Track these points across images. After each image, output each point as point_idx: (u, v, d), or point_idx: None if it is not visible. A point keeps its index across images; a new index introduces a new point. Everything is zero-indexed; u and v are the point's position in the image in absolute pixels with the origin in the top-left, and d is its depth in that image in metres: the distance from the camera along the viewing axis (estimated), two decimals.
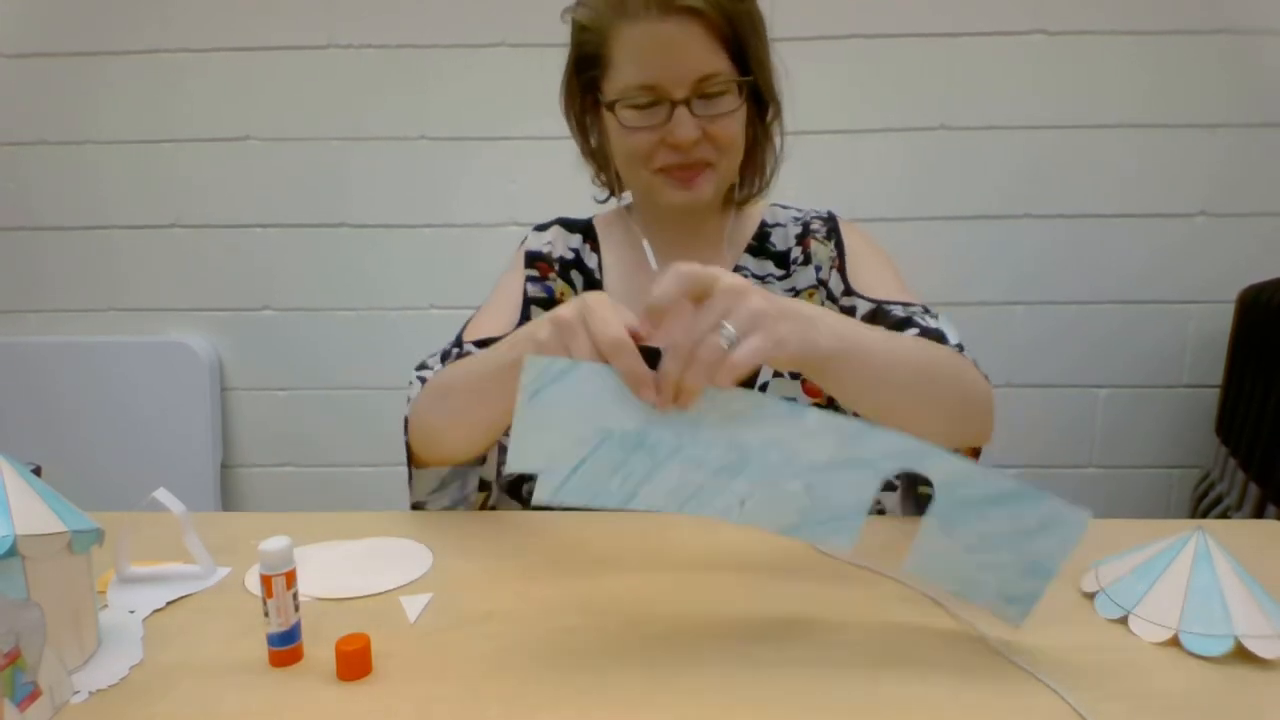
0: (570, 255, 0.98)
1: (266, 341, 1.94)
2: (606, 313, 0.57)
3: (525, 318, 0.93)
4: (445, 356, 0.91)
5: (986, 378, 0.81)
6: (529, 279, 0.97)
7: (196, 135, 1.85)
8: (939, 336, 0.82)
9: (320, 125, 1.84)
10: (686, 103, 0.81)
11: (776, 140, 0.94)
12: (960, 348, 0.83)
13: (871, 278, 0.91)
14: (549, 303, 0.95)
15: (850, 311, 0.88)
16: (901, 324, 0.84)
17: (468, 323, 0.95)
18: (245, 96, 1.83)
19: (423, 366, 0.90)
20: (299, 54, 1.81)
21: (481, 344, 0.88)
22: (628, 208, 1.01)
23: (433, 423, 0.82)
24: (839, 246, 0.94)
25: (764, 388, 0.89)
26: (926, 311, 0.88)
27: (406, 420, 0.86)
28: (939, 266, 1.83)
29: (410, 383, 0.89)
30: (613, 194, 0.99)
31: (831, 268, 0.93)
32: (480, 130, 1.82)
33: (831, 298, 0.92)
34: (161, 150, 1.86)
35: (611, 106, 0.84)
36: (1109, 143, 1.77)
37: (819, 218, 0.98)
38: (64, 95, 1.84)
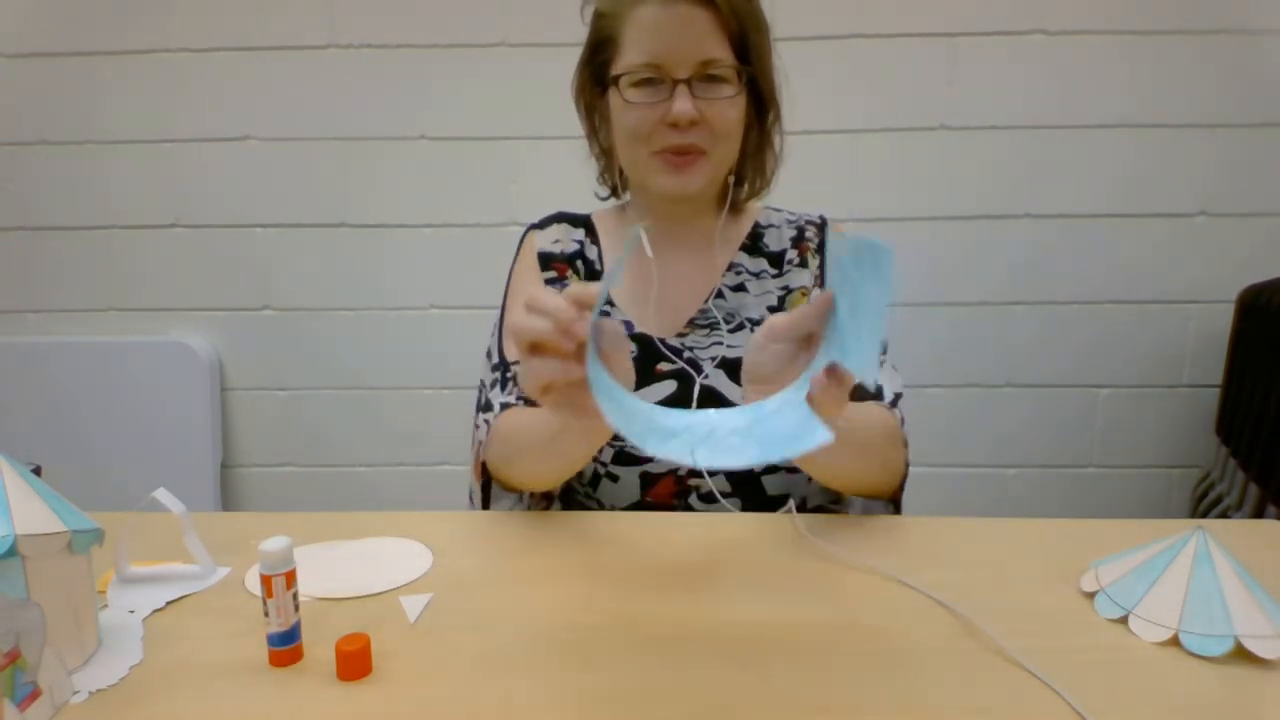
0: (575, 248, 1.00)
1: (266, 341, 1.94)
2: (533, 323, 0.55)
3: None
4: (497, 383, 0.94)
5: (905, 443, 0.89)
6: (548, 281, 0.98)
7: (197, 135, 1.85)
8: (876, 393, 0.89)
9: (320, 125, 1.84)
10: (688, 83, 0.84)
11: (776, 143, 0.97)
12: (898, 397, 0.90)
13: None
14: None
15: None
16: None
17: (499, 335, 0.98)
18: (245, 96, 1.83)
19: (487, 407, 0.93)
20: (299, 54, 1.81)
21: None
22: (625, 204, 1.04)
23: (512, 475, 0.88)
24: (822, 267, 0.97)
25: None
26: None
27: (478, 455, 0.92)
28: (939, 266, 1.83)
29: (476, 426, 0.94)
30: (614, 194, 1.01)
31: (814, 285, 0.97)
32: (480, 130, 1.82)
33: None
34: (162, 150, 1.86)
35: (616, 81, 0.87)
36: (1108, 142, 1.77)
37: (812, 223, 1.01)
38: (64, 95, 1.84)
